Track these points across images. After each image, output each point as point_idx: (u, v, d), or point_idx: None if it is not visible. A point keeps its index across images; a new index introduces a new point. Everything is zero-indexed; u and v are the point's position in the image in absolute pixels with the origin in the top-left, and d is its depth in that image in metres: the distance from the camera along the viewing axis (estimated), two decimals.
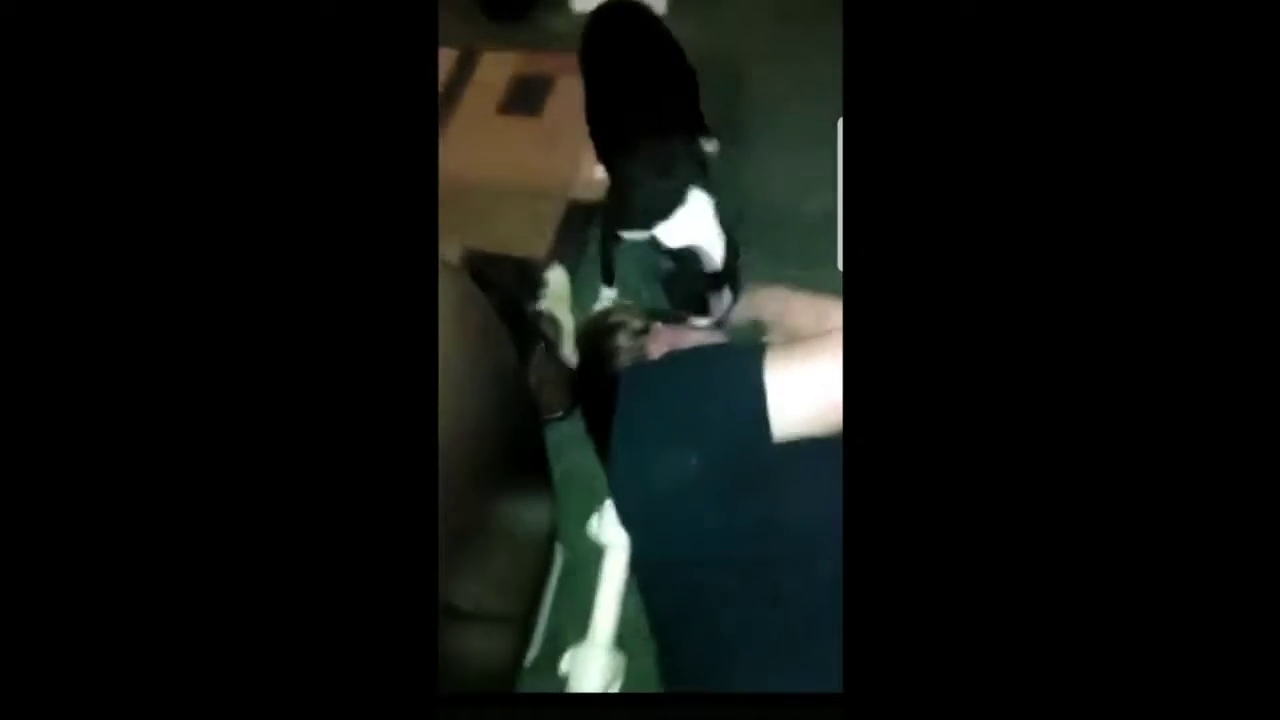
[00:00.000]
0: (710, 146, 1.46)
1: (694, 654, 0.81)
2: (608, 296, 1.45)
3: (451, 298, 0.85)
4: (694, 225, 1.22)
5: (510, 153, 1.74)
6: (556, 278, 1.45)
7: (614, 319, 1.09)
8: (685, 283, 1.24)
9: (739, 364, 0.82)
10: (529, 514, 1.09)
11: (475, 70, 1.93)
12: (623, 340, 1.03)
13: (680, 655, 0.85)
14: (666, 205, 1.22)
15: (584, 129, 1.74)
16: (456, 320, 0.83)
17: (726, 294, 1.23)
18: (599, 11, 1.53)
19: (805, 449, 0.78)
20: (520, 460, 1.04)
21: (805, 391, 0.78)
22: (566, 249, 1.56)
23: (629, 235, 1.33)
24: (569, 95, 1.83)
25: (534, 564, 1.10)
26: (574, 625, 1.11)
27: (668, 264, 1.26)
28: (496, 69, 1.92)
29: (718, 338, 1.14)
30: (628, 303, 1.38)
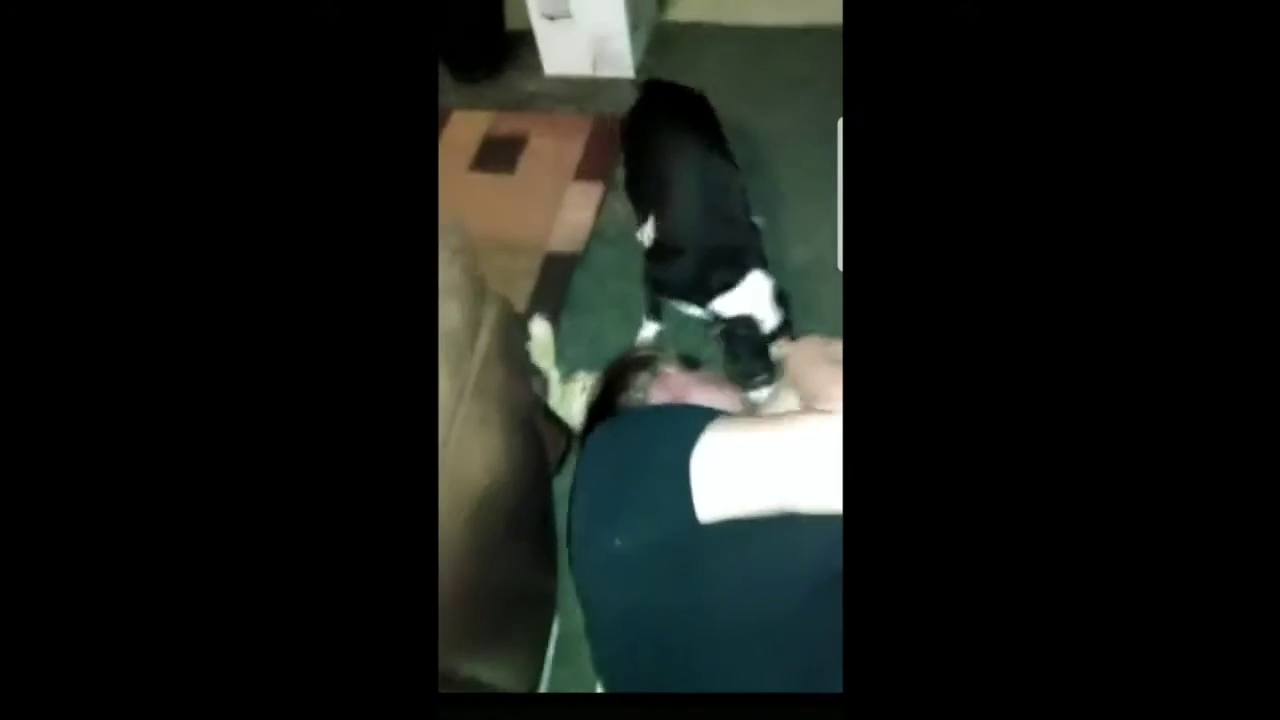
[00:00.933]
0: (759, 221, 1.47)
1: None
2: (651, 329, 1.46)
3: (498, 331, 0.86)
4: (750, 299, 1.28)
5: (484, 209, 1.72)
6: (539, 330, 1.41)
7: (639, 355, 1.05)
8: (743, 345, 1.27)
9: (674, 434, 0.74)
10: (531, 581, 1.03)
11: (446, 129, 1.92)
12: (640, 381, 0.99)
13: None
14: (726, 286, 1.28)
15: (559, 185, 1.75)
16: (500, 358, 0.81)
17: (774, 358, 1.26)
18: (650, 85, 1.60)
19: (751, 532, 0.70)
20: (527, 521, 0.98)
21: (738, 472, 0.70)
22: (546, 302, 1.52)
23: (682, 307, 1.38)
24: (542, 153, 1.84)
25: (534, 634, 1.03)
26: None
27: (721, 325, 1.30)
28: (467, 128, 1.92)
29: (721, 398, 1.02)
30: (659, 345, 1.39)
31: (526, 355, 0.92)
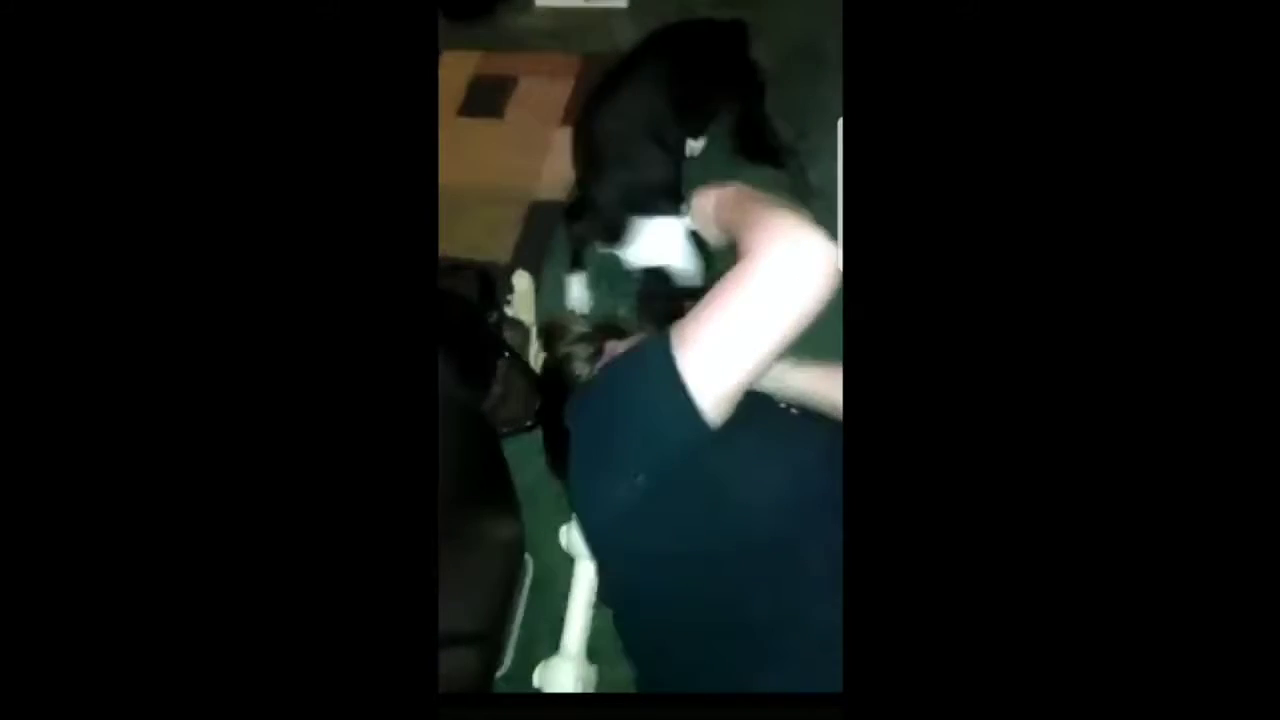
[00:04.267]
0: (698, 144, 1.45)
1: (668, 675, 0.78)
2: (577, 299, 1.42)
3: None
4: (663, 247, 1.20)
5: (471, 156, 1.71)
6: (521, 283, 1.43)
7: (558, 322, 1.07)
8: (656, 302, 1.21)
9: (653, 360, 0.75)
10: (493, 530, 1.08)
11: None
12: (577, 350, 1.01)
13: (657, 674, 0.82)
14: (631, 230, 1.21)
15: (547, 130, 1.73)
16: None
17: None
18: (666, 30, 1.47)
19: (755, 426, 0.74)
20: (479, 475, 1.02)
21: (723, 357, 0.72)
22: (530, 253, 1.54)
23: (598, 247, 1.33)
24: (531, 96, 1.81)
25: (502, 579, 1.09)
26: (546, 638, 1.10)
27: (638, 280, 1.25)
28: (456, 70, 1.89)
29: None
30: (576, 313, 1.35)
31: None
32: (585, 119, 1.38)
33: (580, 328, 1.06)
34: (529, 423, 1.25)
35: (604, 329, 1.10)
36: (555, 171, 1.67)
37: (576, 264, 1.42)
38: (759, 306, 0.73)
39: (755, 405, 0.79)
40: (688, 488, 0.75)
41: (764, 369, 0.75)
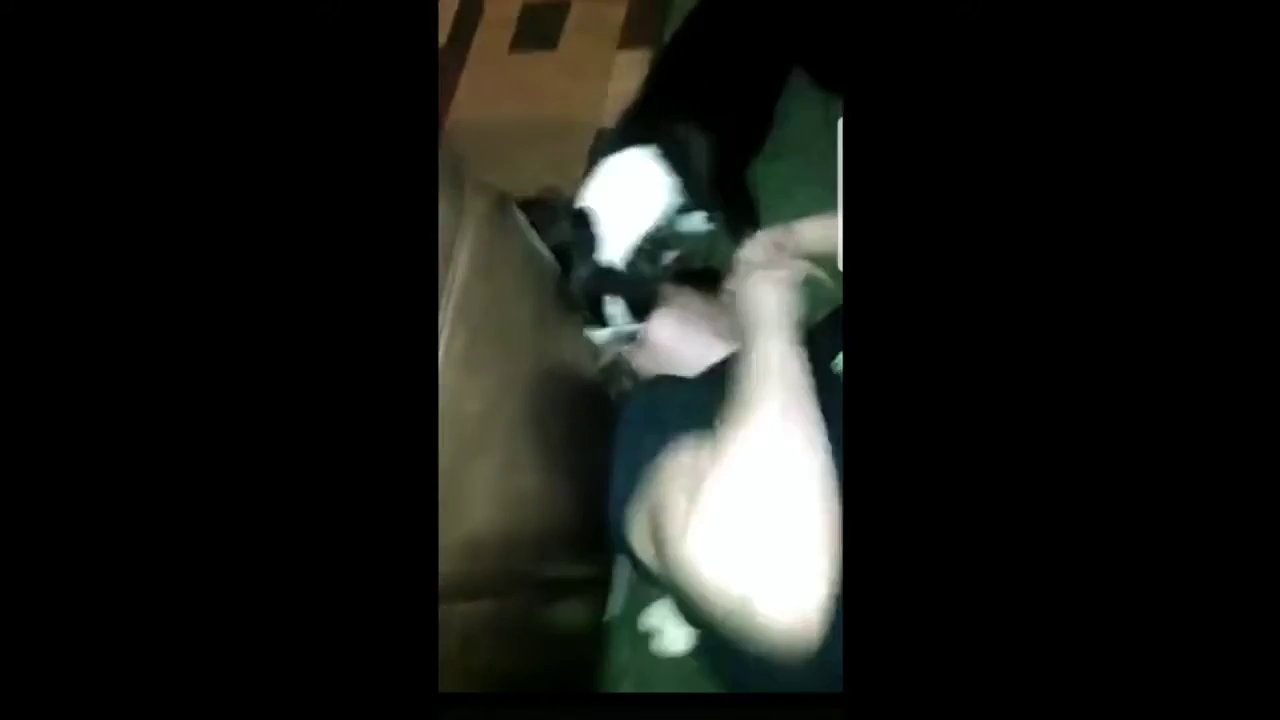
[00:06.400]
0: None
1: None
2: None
3: (484, 234, 0.73)
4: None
5: (528, 91, 1.64)
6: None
7: None
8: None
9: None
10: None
11: (483, 7, 1.81)
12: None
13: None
14: None
15: (605, 55, 1.64)
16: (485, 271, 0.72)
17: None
18: None
19: None
20: (585, 407, 0.96)
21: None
22: None
23: None
24: (584, 20, 1.72)
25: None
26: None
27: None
28: (504, 2, 1.80)
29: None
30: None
31: (531, 258, 0.83)
32: None
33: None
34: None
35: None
36: (618, 97, 1.58)
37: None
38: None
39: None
40: None
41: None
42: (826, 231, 0.92)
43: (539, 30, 1.74)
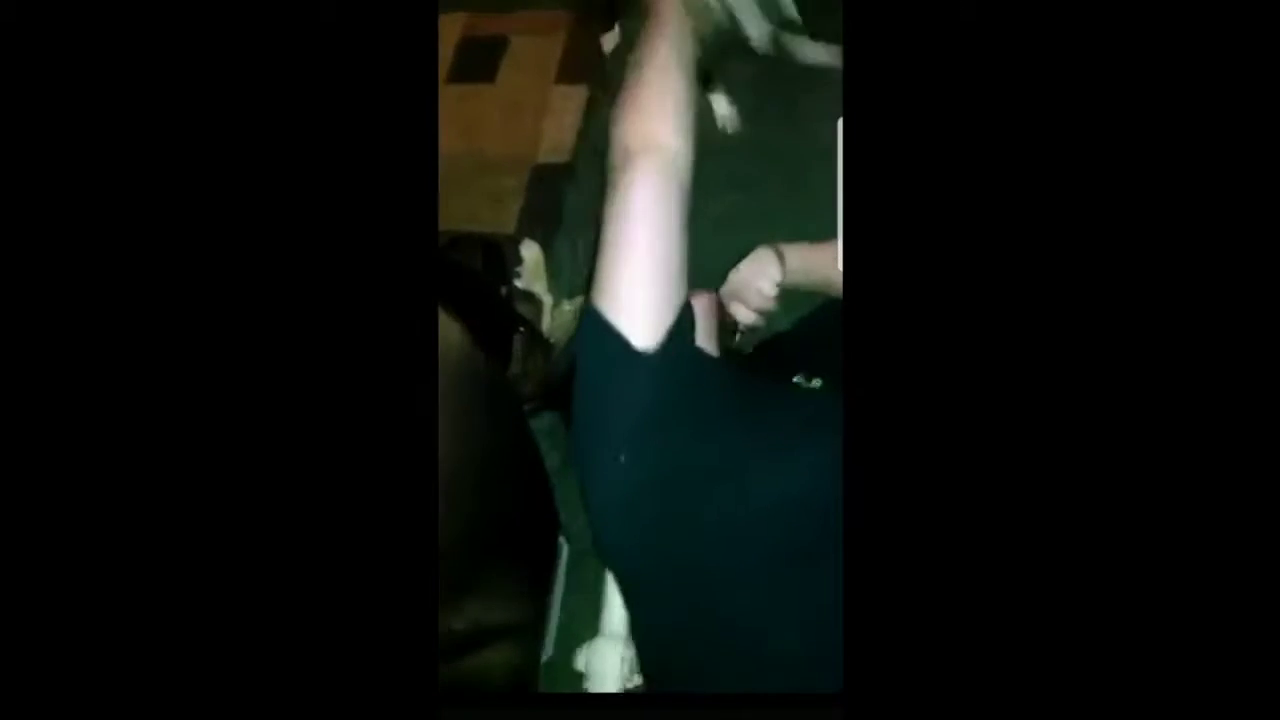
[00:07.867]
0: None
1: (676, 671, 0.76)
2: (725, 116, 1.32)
3: None
4: None
5: (466, 124, 1.64)
6: (530, 253, 1.36)
7: None
8: None
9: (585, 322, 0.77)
10: (527, 513, 1.03)
11: None
12: None
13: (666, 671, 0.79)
14: None
15: (543, 90, 1.65)
16: None
17: None
18: None
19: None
20: (508, 457, 0.97)
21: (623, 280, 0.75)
22: (536, 220, 1.47)
23: None
24: (523, 55, 1.73)
25: (537, 563, 1.04)
26: (587, 620, 1.06)
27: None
28: (445, 32, 1.80)
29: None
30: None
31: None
32: None
33: None
34: (546, 402, 1.20)
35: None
36: (553, 133, 1.59)
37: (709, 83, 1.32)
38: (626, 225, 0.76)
39: (763, 395, 0.75)
40: (682, 478, 0.71)
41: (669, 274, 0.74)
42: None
43: (477, 64, 1.74)
